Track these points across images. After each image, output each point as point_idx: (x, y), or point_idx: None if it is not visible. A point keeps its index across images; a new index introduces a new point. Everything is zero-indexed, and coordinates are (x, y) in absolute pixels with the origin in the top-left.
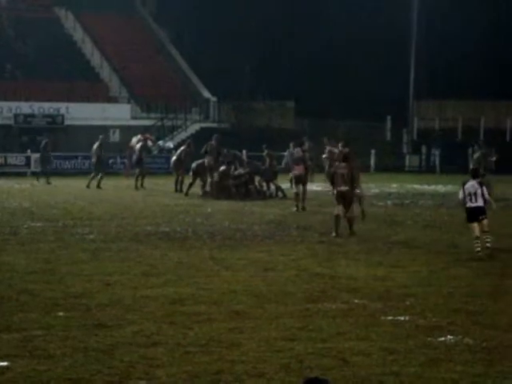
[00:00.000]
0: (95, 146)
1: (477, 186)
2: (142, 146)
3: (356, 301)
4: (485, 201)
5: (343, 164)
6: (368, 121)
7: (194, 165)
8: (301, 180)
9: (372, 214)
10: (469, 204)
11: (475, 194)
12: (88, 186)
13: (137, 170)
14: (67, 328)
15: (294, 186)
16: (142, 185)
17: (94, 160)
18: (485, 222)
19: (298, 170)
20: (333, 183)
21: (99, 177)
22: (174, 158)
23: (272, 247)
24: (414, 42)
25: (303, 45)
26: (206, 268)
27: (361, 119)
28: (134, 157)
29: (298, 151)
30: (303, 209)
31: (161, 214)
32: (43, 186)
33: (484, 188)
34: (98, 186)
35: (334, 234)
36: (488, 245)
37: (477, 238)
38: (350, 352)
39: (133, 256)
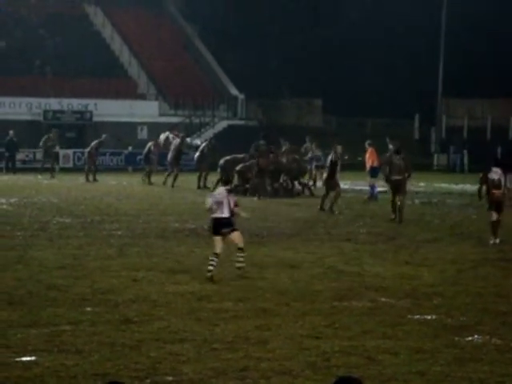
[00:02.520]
0: (176, 142)
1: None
2: (179, 144)
3: (383, 299)
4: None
5: (398, 156)
6: (396, 118)
7: (221, 161)
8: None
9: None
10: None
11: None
12: (164, 183)
13: (170, 168)
14: (95, 323)
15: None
16: (172, 185)
17: (171, 156)
18: None
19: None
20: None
21: (174, 174)
22: (197, 154)
23: (298, 245)
24: (443, 39)
25: (331, 42)
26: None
27: (389, 117)
28: (170, 154)
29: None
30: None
31: (188, 210)
32: (91, 183)
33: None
34: (150, 183)
35: (392, 217)
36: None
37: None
38: (376, 350)
39: (160, 252)
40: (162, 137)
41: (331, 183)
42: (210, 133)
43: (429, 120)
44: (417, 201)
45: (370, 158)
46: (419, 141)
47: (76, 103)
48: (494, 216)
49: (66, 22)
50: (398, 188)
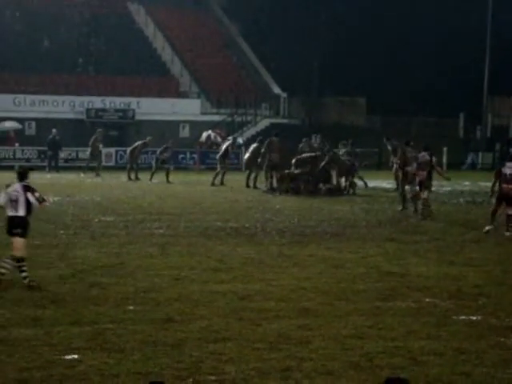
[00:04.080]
0: (228, 142)
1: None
2: (230, 144)
3: (427, 300)
4: None
5: (424, 153)
6: (441, 117)
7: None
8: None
9: (444, 212)
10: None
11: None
12: (213, 184)
13: (219, 167)
14: (137, 322)
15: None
16: (222, 182)
17: (219, 154)
18: None
19: (421, 176)
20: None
21: (222, 172)
22: (248, 154)
23: (341, 244)
24: (489, 37)
25: (375, 40)
26: (275, 264)
27: (433, 116)
28: (219, 153)
29: (423, 155)
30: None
31: (229, 209)
32: (133, 181)
33: None
34: (222, 183)
35: (399, 208)
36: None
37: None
38: (420, 351)
39: (201, 251)
40: (205, 135)
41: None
42: (252, 131)
43: (474, 118)
44: (461, 200)
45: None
46: (464, 140)
47: (118, 101)
48: (497, 207)
49: (109, 20)
50: (410, 181)
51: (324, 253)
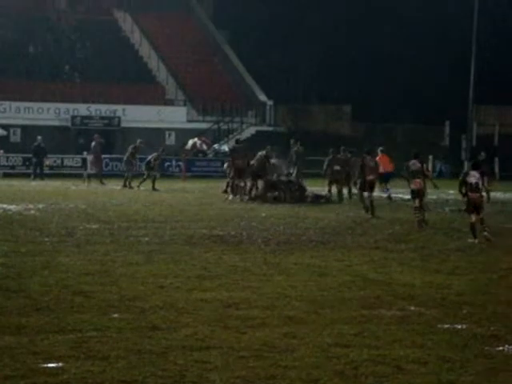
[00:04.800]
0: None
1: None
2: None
3: (412, 308)
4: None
5: (414, 160)
6: (426, 125)
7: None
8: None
9: (429, 221)
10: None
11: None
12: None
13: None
14: (121, 330)
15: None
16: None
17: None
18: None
19: (416, 184)
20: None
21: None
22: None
23: (326, 252)
24: (475, 46)
25: (360, 48)
26: (260, 272)
27: (419, 123)
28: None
29: (414, 163)
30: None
31: (215, 217)
32: (101, 187)
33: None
34: (130, 187)
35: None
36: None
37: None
38: (405, 359)
39: (187, 259)
40: (190, 142)
41: None
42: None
43: (460, 127)
44: (446, 209)
45: (380, 164)
46: (450, 148)
47: (104, 109)
48: (473, 218)
49: (95, 27)
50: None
51: (309, 261)
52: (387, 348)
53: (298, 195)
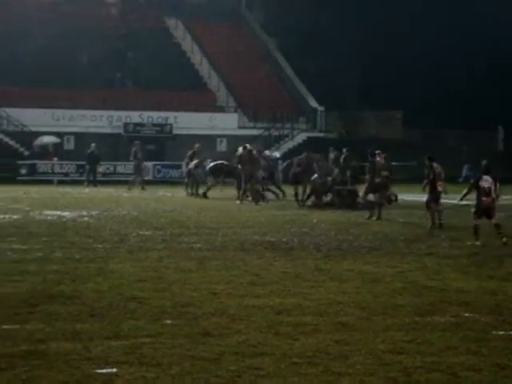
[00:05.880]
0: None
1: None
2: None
3: (466, 314)
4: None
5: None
6: (479, 130)
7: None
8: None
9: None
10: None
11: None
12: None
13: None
14: (174, 336)
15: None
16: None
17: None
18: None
19: (441, 187)
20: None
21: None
22: (297, 168)
23: (379, 259)
24: None
25: (412, 54)
26: (312, 278)
27: (471, 129)
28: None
29: (437, 166)
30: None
31: (266, 223)
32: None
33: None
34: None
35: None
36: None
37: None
38: (460, 367)
39: (239, 265)
40: (241, 149)
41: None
42: (288, 145)
43: None
44: (502, 214)
45: None
46: (504, 153)
47: (156, 116)
48: (478, 221)
49: (147, 35)
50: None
51: (361, 267)
52: (441, 355)
53: (349, 201)
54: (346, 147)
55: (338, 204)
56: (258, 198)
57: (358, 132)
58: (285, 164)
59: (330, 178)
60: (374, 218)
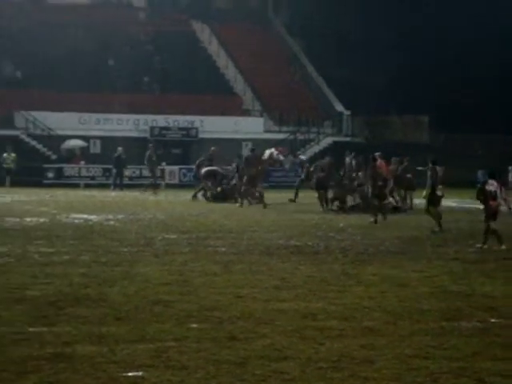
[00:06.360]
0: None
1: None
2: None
3: (493, 320)
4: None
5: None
6: (505, 135)
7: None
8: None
9: (507, 232)
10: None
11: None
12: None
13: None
14: (200, 340)
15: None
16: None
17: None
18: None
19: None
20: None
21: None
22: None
23: (405, 263)
24: None
25: (438, 58)
26: (338, 283)
27: (498, 133)
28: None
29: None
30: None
31: (292, 227)
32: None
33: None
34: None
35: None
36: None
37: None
38: (487, 372)
39: (264, 269)
40: (267, 153)
41: None
42: (314, 149)
43: None
44: None
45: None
46: None
47: (182, 120)
48: (493, 225)
49: (173, 38)
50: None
51: (388, 272)
52: (468, 360)
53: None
54: (377, 152)
55: (365, 208)
56: (245, 198)
57: (385, 136)
58: (312, 168)
59: (355, 183)
60: (372, 219)
